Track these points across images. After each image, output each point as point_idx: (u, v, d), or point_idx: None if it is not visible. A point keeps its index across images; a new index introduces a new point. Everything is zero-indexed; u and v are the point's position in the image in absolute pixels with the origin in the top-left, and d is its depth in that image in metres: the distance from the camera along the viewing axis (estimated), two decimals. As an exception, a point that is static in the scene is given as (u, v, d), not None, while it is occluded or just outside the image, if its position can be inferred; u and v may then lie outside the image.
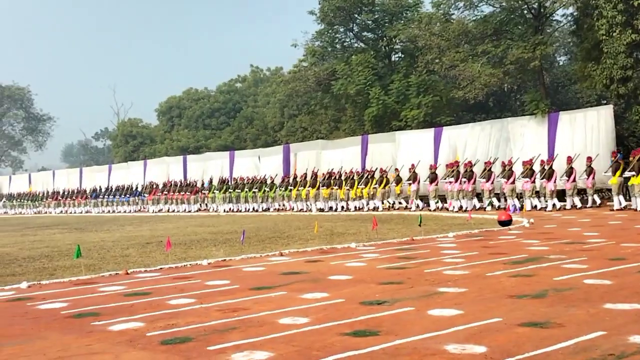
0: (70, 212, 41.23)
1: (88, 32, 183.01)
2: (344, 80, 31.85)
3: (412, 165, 24.41)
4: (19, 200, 48.72)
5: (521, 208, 19.86)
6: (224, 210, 30.57)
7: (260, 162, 34.16)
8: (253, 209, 29.88)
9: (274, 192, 29.59)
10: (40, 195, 46.84)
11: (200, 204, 33.61)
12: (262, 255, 10.78)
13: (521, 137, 24.00)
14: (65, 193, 44.50)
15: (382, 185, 24.94)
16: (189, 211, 33.02)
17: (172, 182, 36.08)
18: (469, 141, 25.11)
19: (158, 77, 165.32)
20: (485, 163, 22.39)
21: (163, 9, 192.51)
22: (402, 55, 34.37)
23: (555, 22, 29.11)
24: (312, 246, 11.93)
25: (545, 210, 19.79)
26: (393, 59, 35.14)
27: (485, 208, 21.43)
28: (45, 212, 43.53)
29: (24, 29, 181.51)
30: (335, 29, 34.67)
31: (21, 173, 66.06)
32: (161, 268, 9.66)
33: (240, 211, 29.91)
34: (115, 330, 5.60)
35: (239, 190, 30.84)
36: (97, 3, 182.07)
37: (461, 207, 21.78)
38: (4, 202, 50.66)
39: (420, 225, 13.24)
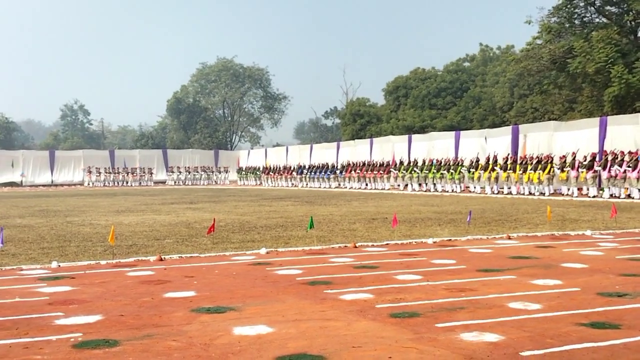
0: (279, 185, 45.37)
1: (320, 17, 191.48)
2: (582, 58, 29.91)
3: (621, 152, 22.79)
4: (245, 172, 53.94)
5: None
6: (412, 189, 32.24)
7: (486, 143, 33.32)
8: (442, 189, 30.60)
9: (459, 173, 29.97)
10: (258, 169, 51.79)
11: (393, 183, 35.19)
12: (488, 238, 10.54)
13: None
14: (274, 168, 48.90)
15: (546, 171, 25.00)
16: (382, 189, 34.68)
17: (366, 162, 38.47)
18: None
19: (386, 58, 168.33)
20: None
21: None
22: (651, 30, 31.43)
23: None
24: (542, 231, 11.42)
25: None
26: (639, 34, 32.25)
27: None
28: (260, 184, 48.51)
29: (264, 14, 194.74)
30: (574, 4, 32.71)
31: (258, 148, 71.32)
32: (387, 243, 9.86)
33: (429, 191, 30.72)
34: (347, 300, 5.82)
35: (427, 171, 31.80)
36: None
37: None
38: (236, 174, 55.87)
39: (666, 215, 12.07)
